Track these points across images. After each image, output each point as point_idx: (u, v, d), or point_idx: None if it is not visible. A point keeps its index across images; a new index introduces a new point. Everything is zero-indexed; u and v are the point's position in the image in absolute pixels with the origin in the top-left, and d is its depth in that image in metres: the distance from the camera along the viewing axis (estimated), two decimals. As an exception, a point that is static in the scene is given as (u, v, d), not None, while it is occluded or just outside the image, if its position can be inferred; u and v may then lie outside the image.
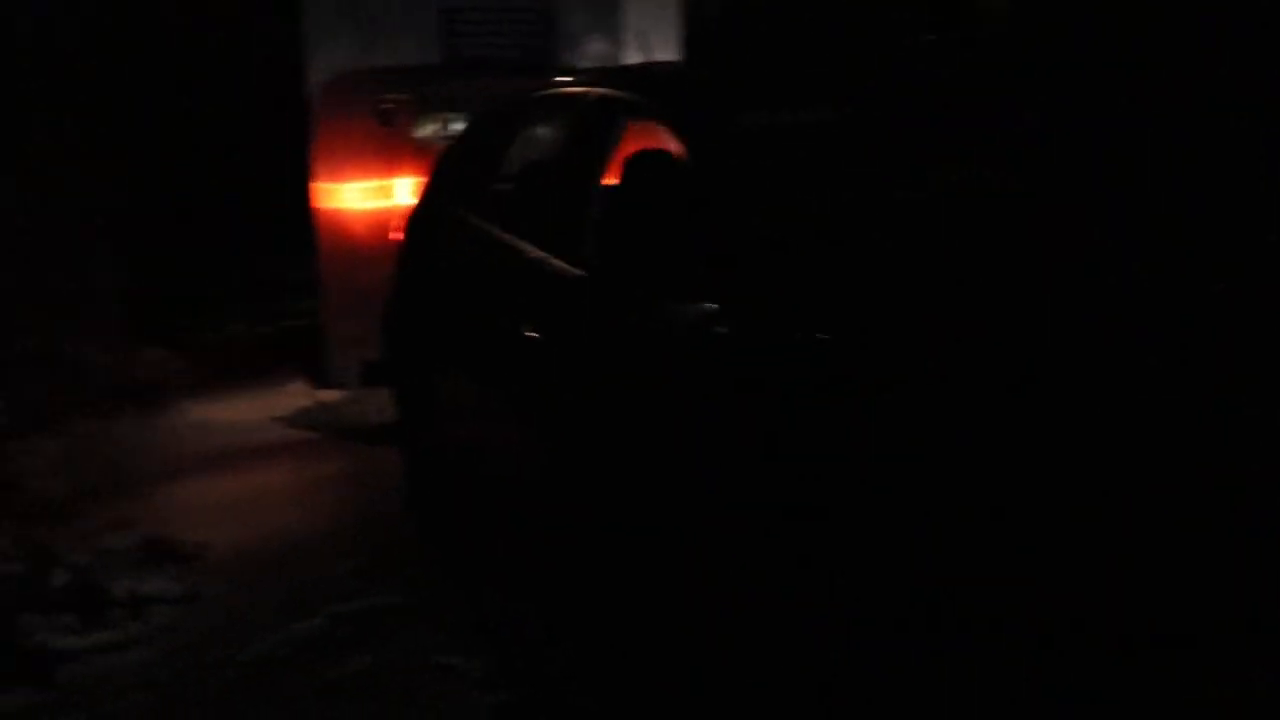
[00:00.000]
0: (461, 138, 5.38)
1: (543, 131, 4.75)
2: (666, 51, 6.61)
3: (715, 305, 2.78)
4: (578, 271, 3.54)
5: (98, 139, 8.93)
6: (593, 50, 6.90)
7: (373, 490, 5.15)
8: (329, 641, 3.83)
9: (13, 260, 7.18)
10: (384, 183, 6.77)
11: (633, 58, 6.17)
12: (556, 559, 3.93)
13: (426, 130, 6.43)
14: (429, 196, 5.17)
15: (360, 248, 6.73)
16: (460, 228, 4.61)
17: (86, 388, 6.80)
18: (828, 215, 3.07)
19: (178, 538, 4.62)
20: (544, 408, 3.75)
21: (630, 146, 3.64)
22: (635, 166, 3.40)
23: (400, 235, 5.40)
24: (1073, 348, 2.45)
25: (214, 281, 9.34)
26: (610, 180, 3.72)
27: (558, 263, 3.67)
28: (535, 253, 3.84)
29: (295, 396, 6.82)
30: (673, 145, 3.45)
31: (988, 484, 2.22)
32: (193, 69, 10.27)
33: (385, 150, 6.66)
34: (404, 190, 6.64)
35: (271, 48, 8.13)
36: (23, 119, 7.26)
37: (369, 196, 6.84)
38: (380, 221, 6.60)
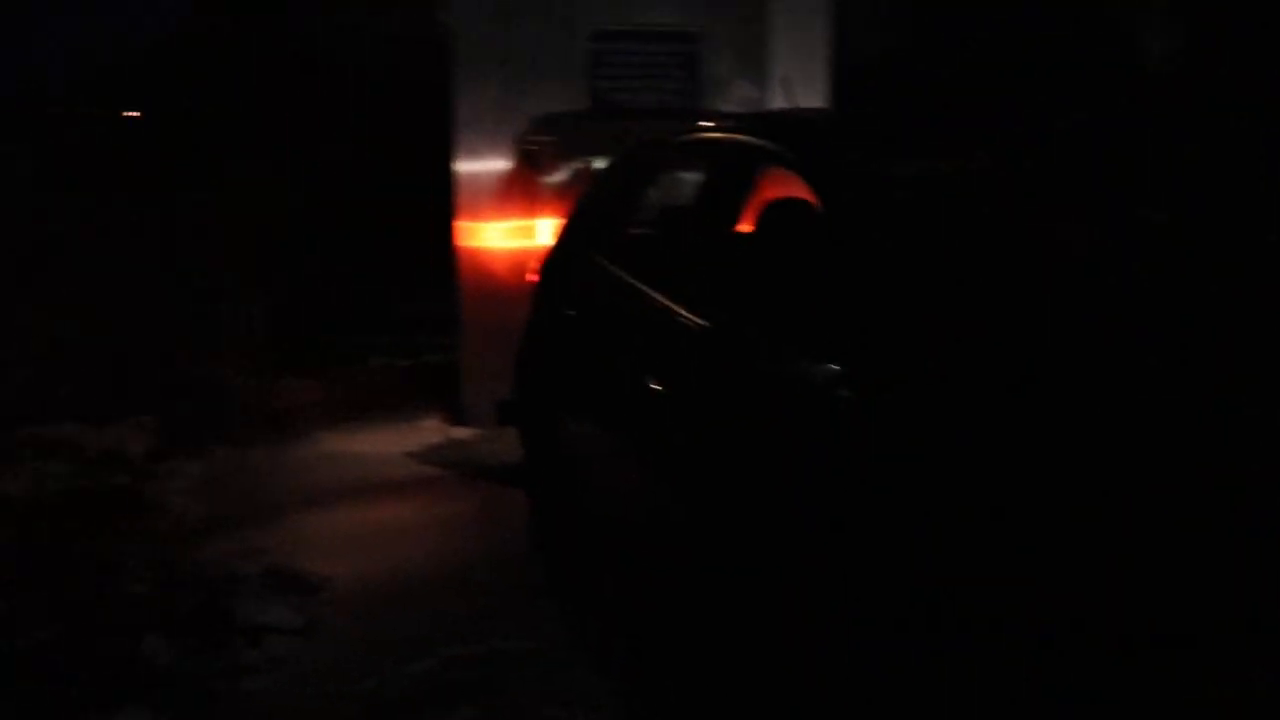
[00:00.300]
0: (599, 181, 5.38)
1: (681, 177, 4.70)
2: (812, 98, 6.50)
3: (841, 368, 2.66)
4: (703, 323, 3.45)
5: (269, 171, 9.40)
6: (738, 95, 6.83)
7: (500, 530, 5.13)
8: (440, 685, 3.78)
9: (171, 290, 7.53)
10: (525, 223, 6.83)
11: (778, 103, 6.07)
12: (680, 609, 3.85)
13: (568, 172, 6.46)
14: (565, 239, 5.17)
15: (500, 286, 6.80)
16: (592, 271, 4.58)
17: (230, 414, 7.02)
18: (971, 281, 2.88)
19: (303, 568, 4.66)
20: (666, 457, 3.67)
21: (768, 194, 3.55)
22: (770, 216, 3.30)
23: (536, 276, 5.42)
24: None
25: (359, 316, 9.57)
26: (745, 228, 3.63)
27: (684, 314, 3.59)
28: (662, 301, 3.77)
29: (429, 432, 6.88)
30: (810, 195, 3.35)
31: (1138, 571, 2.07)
32: (343, 106, 10.65)
33: (528, 191, 6.73)
34: (545, 231, 6.68)
35: (420, 88, 8.34)
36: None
37: (510, 236, 6.91)
38: (520, 261, 6.65)
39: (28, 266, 7.02)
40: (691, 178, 4.43)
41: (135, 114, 12.85)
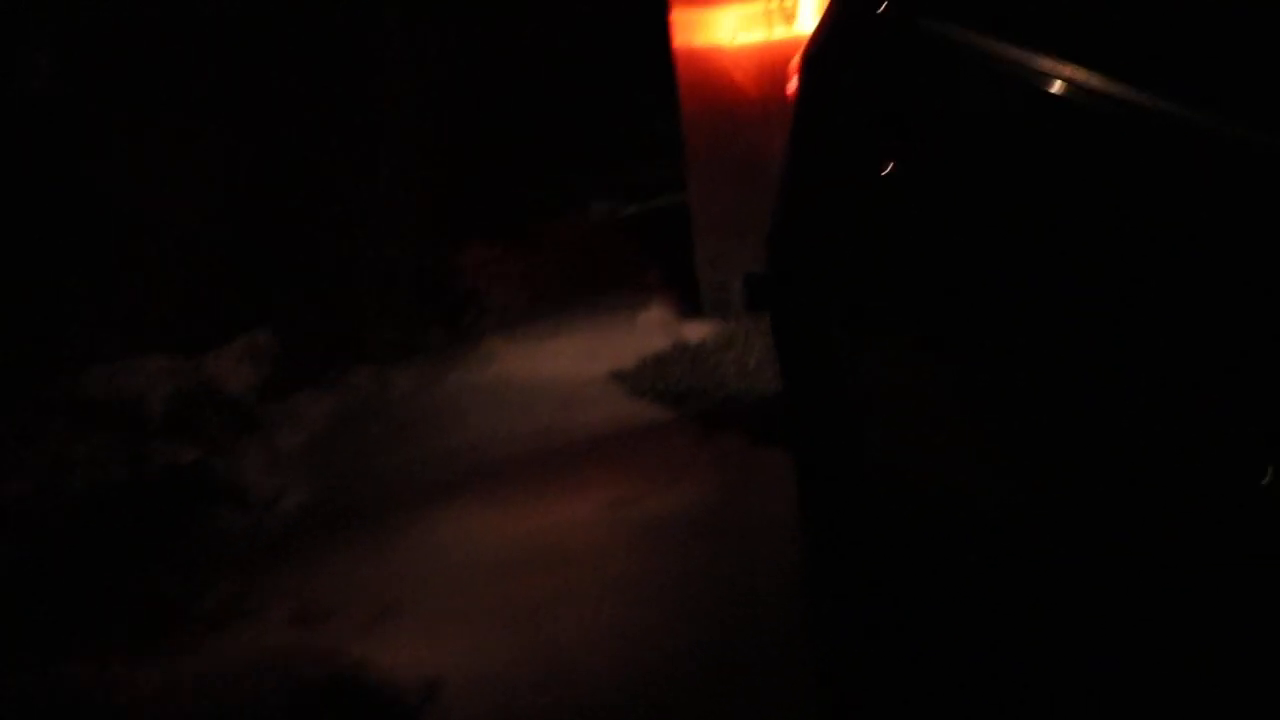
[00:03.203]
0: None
1: None
2: None
3: None
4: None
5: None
6: None
7: (744, 551, 2.86)
8: None
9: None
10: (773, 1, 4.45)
11: None
12: None
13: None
14: (850, 8, 2.65)
15: (739, 104, 4.48)
16: (912, 57, 2.12)
17: (381, 315, 5.04)
18: None
19: (394, 668, 2.58)
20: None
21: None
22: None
23: (796, 85, 2.94)
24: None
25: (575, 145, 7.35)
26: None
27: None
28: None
29: (648, 331, 4.65)
30: None
31: None
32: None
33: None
34: (809, 9, 4.29)
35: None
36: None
37: (750, 25, 4.49)
38: (768, 62, 4.36)
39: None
40: None
41: None
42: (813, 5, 4.45)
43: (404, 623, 2.75)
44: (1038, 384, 1.76)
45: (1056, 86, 1.70)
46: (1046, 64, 1.71)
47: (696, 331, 4.55)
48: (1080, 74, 1.65)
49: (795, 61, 2.92)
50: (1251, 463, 1.42)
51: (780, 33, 4.58)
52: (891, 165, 2.12)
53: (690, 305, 4.79)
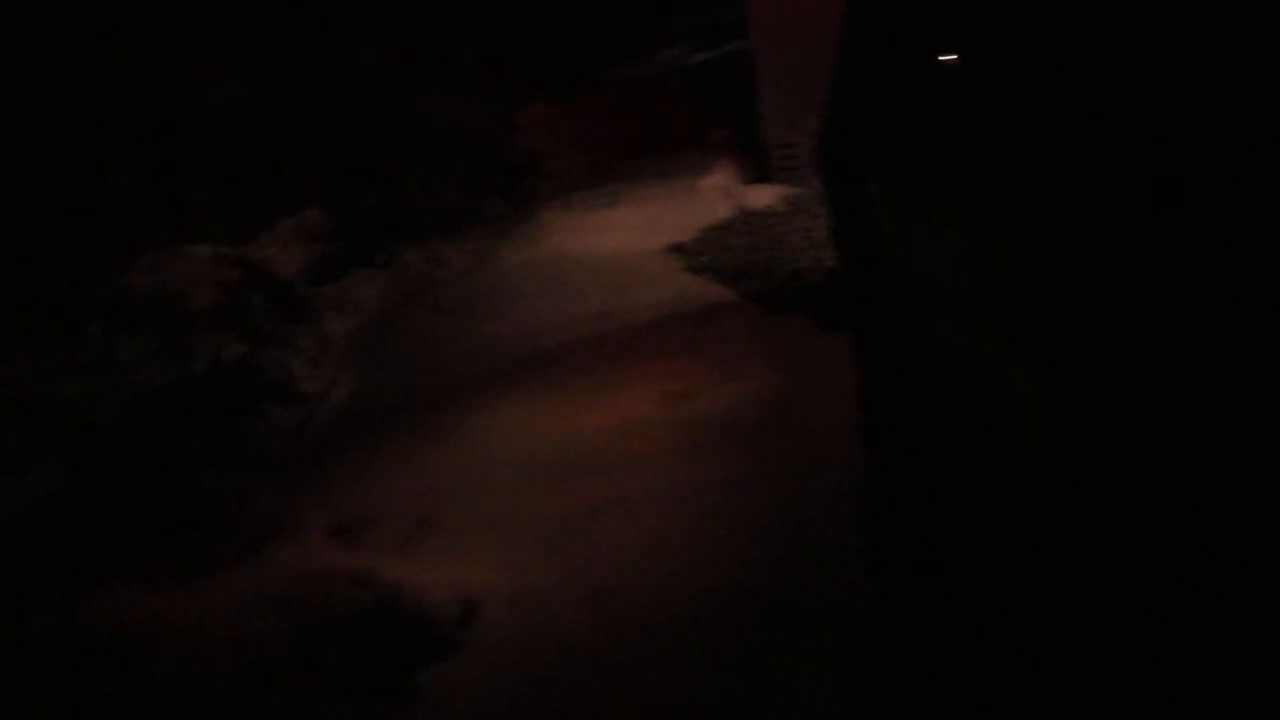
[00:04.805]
0: None
1: None
2: None
3: None
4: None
5: None
6: None
7: (801, 459, 2.67)
8: None
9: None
10: None
11: None
12: None
13: None
14: None
15: None
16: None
17: (438, 181, 4.83)
18: None
19: (431, 588, 2.47)
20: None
21: None
22: None
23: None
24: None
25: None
26: None
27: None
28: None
29: (711, 198, 4.39)
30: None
31: None
32: None
33: None
34: None
35: None
36: None
37: None
38: None
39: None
40: None
41: None
42: None
43: (442, 537, 2.63)
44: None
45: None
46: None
47: (761, 197, 4.28)
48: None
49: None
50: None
51: None
52: (954, 57, 1.84)
53: (756, 168, 4.52)
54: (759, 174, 4.47)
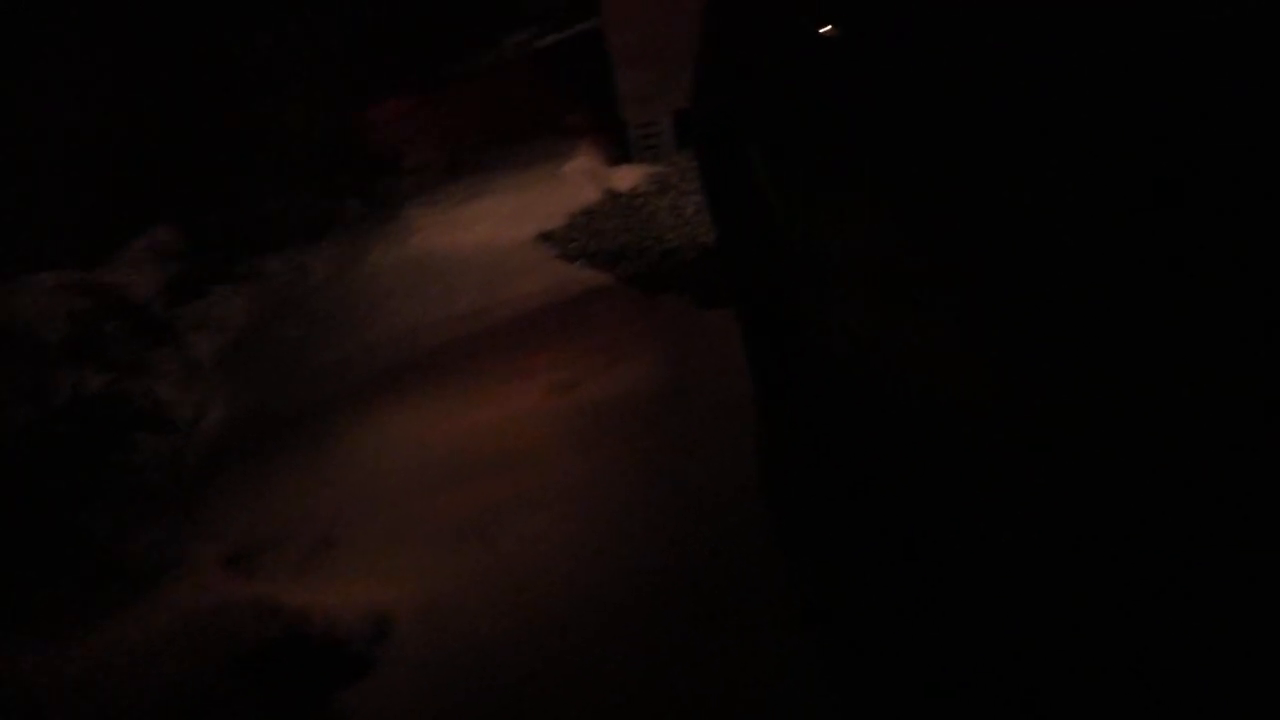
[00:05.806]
0: None
1: None
2: None
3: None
4: None
5: None
6: None
7: (693, 440, 2.67)
8: None
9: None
10: None
11: None
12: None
13: None
14: None
15: None
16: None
17: (295, 188, 4.69)
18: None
19: (338, 608, 2.41)
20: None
21: None
22: None
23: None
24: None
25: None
26: None
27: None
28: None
29: (575, 183, 4.37)
30: None
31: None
32: None
33: None
34: None
35: None
36: None
37: None
38: None
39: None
40: None
41: None
42: None
43: (343, 553, 2.56)
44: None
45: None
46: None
47: (627, 178, 4.27)
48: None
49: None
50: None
51: None
52: (832, 27, 1.84)
53: (618, 149, 4.50)
54: (621, 155, 4.45)
